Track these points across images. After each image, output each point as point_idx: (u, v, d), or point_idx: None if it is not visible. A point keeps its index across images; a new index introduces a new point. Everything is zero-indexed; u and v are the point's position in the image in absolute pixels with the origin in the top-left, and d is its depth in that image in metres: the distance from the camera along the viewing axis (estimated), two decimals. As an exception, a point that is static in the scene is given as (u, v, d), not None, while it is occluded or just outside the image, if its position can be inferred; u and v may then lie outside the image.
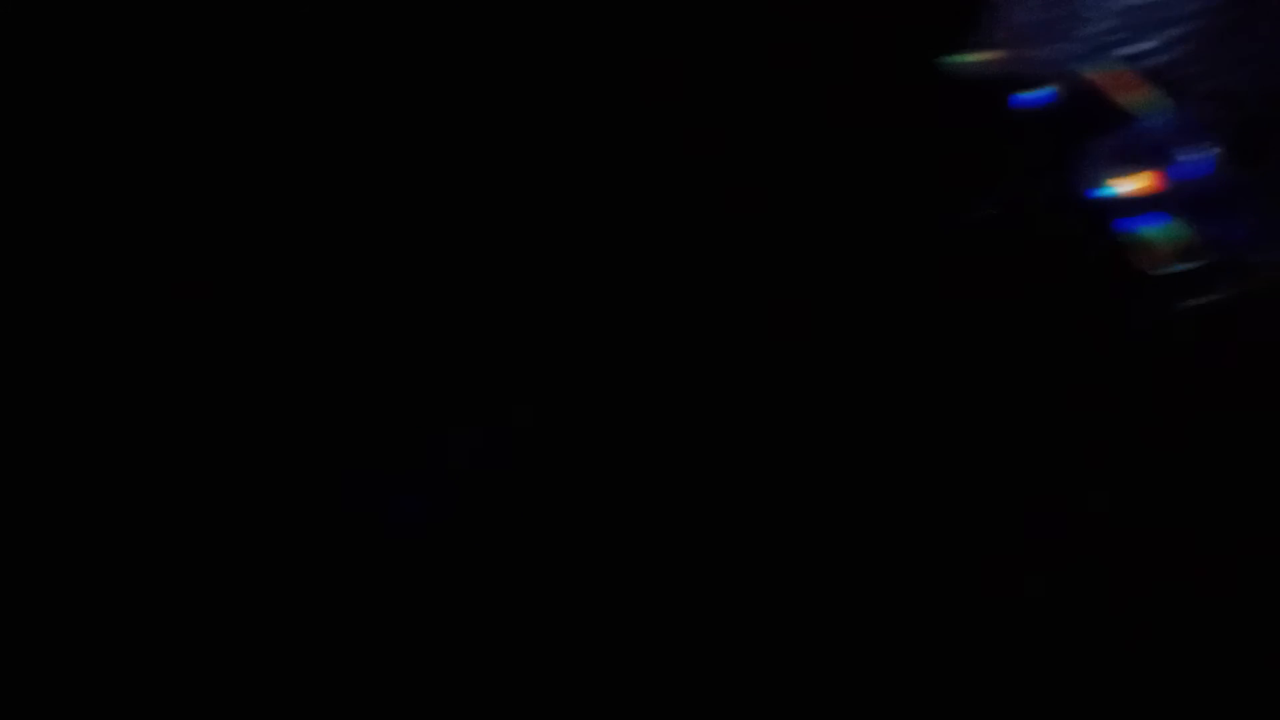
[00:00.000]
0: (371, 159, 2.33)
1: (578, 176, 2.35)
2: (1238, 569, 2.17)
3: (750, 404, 2.30)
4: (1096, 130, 2.46)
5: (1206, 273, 2.35)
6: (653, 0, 2.42)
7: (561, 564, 2.21)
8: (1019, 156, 2.45)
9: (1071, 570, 2.18)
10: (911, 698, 2.13)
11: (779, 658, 2.16)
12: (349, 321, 2.27)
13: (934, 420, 2.32)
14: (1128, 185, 2.42)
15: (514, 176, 2.36)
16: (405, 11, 2.35)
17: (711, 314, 2.33)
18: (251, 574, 2.16)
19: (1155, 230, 2.40)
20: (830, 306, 2.38)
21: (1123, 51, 2.50)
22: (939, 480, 2.29)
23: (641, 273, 2.33)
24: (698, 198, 2.42)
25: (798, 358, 2.36)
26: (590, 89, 2.38)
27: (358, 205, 2.31)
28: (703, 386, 2.29)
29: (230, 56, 2.30)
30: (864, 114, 2.48)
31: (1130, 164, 2.43)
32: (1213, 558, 2.18)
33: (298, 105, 2.31)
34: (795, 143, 2.46)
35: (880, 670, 2.15)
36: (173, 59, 2.30)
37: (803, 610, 2.19)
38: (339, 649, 2.14)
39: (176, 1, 2.29)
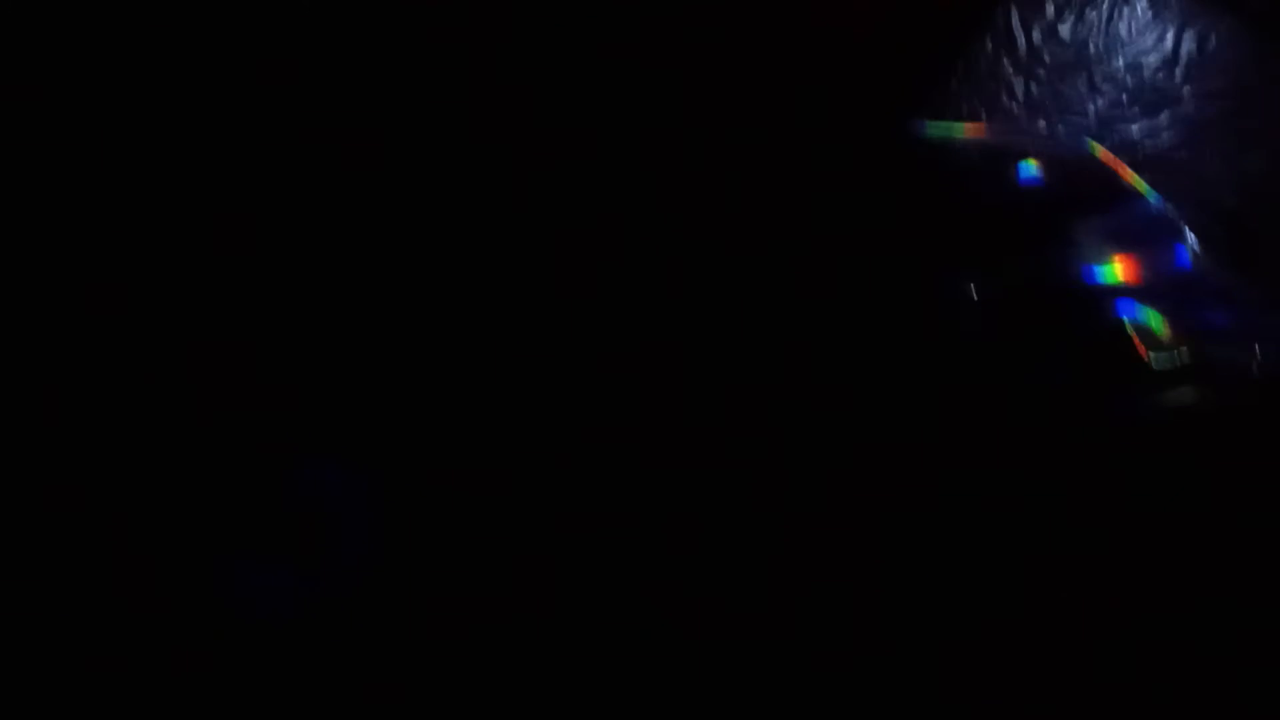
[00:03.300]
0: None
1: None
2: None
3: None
4: (1082, 211, 2.48)
5: (1189, 370, 2.39)
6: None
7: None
8: (1007, 233, 2.47)
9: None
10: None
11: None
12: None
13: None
14: (1112, 270, 2.45)
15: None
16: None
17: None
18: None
19: (1138, 319, 2.42)
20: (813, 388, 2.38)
21: (1112, 132, 2.53)
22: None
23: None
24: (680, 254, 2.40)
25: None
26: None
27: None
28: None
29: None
30: (843, 184, 2.47)
31: (1115, 248, 2.46)
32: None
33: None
34: (771, 216, 2.44)
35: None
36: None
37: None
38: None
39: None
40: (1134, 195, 2.47)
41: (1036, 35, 2.60)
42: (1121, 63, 2.57)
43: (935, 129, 2.51)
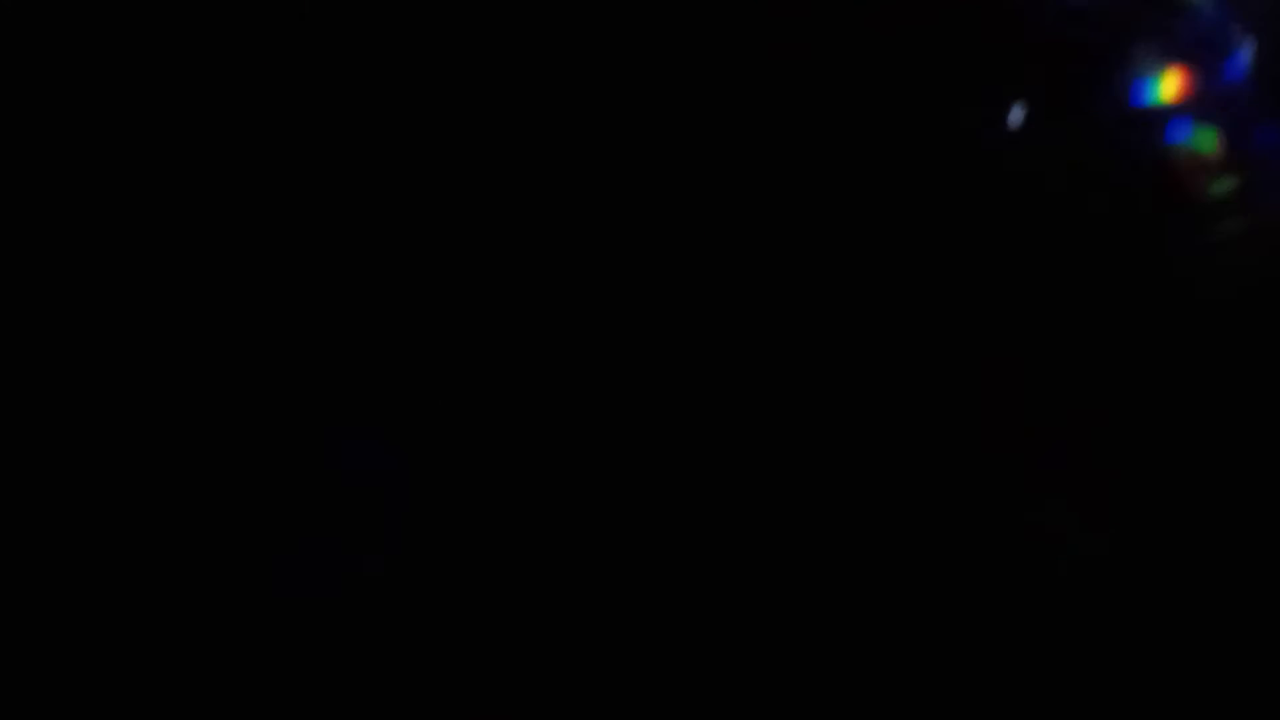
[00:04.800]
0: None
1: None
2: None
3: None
4: (1130, 23, 2.37)
5: (1242, 192, 2.33)
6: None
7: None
8: (1046, 49, 2.37)
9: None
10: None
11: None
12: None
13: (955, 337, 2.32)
14: (1164, 88, 2.36)
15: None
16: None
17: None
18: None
19: (1191, 140, 2.35)
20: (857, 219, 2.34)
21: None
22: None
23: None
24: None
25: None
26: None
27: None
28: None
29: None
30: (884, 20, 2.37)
31: (1167, 64, 2.36)
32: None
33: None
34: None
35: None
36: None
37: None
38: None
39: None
40: (1185, 3, 2.35)
41: None
42: None
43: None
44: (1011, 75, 2.34)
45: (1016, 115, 2.34)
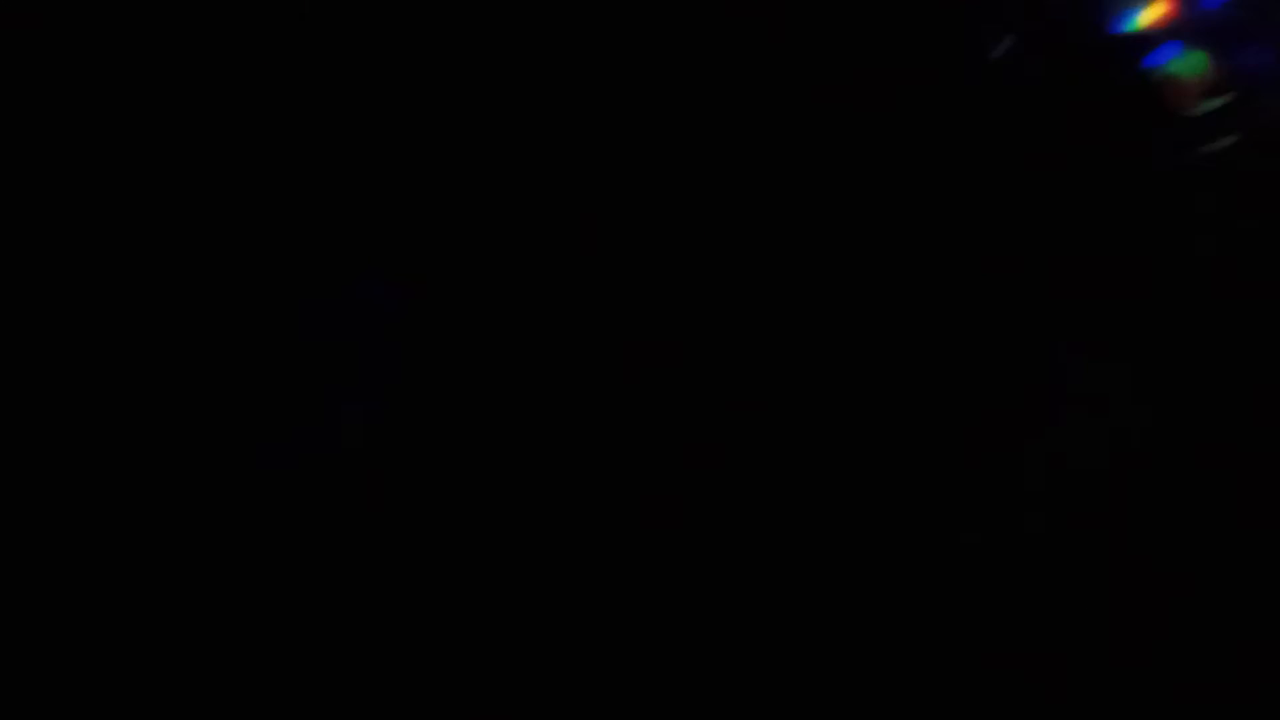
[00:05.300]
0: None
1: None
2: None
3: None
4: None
5: (1229, 110, 2.33)
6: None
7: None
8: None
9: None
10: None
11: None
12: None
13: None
14: (1148, 15, 2.37)
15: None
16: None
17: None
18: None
19: (1177, 63, 2.36)
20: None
21: None
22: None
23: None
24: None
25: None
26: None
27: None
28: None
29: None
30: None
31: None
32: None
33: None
34: None
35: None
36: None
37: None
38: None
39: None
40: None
41: None
42: None
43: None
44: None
45: (1002, 43, 2.34)
